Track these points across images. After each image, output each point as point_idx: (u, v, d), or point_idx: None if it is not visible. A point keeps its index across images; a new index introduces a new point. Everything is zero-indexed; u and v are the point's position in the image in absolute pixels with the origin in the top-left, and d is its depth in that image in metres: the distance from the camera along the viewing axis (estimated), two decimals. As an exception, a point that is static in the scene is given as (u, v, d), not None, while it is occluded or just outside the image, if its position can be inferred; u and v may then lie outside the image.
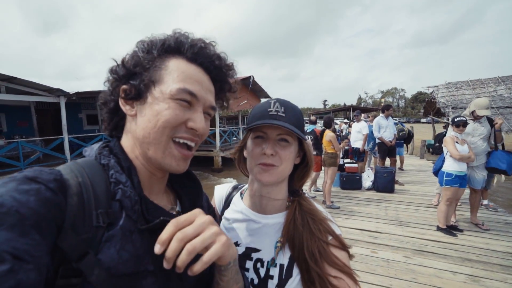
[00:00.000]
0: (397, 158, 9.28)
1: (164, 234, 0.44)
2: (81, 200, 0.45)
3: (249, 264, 0.77)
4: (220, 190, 0.99)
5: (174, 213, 0.62)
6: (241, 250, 0.80)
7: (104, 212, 0.46)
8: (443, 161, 3.86)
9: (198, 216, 0.48)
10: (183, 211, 0.64)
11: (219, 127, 13.85)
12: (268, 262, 0.75)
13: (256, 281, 0.75)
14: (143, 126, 0.53)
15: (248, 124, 0.77)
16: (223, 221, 0.90)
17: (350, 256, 0.77)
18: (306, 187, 6.10)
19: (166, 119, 0.52)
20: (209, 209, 0.74)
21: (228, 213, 0.89)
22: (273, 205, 0.82)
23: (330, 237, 0.75)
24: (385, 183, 5.86)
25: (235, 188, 0.97)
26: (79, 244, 0.42)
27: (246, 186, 0.94)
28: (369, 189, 6.13)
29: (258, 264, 0.76)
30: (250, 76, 14.84)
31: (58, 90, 9.08)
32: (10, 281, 0.31)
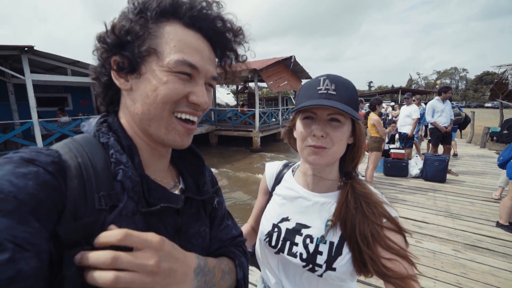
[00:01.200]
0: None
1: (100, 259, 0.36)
2: (81, 183, 0.42)
3: (298, 239, 0.78)
4: (271, 168, 1.00)
5: (177, 191, 0.60)
6: (291, 225, 0.81)
7: (106, 195, 0.44)
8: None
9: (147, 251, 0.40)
10: (186, 188, 0.62)
11: (259, 108, 13.87)
12: (318, 238, 0.75)
13: (304, 255, 0.76)
14: (142, 102, 0.49)
15: (297, 104, 0.74)
16: (274, 196, 0.92)
17: (407, 241, 0.73)
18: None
19: (165, 93, 0.47)
20: (213, 183, 0.72)
21: (279, 189, 0.91)
22: (324, 184, 0.82)
23: (385, 220, 0.72)
24: (436, 171, 5.37)
25: (286, 166, 0.98)
26: (78, 231, 0.39)
27: (298, 163, 0.94)
28: (416, 177, 5.70)
29: (308, 240, 0.77)
30: (291, 56, 14.37)
31: (113, 71, 9.87)
32: (10, 270, 0.29)
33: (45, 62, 8.65)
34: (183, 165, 0.66)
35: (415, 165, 5.87)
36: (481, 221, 3.69)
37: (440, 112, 5.66)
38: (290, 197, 0.85)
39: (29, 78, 7.66)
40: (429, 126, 5.95)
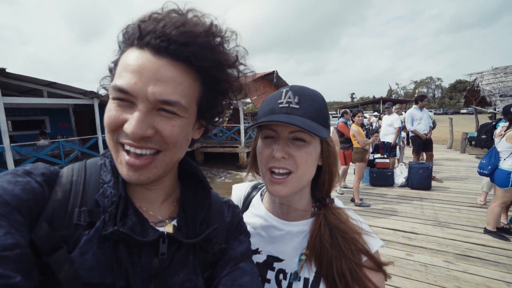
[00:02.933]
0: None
1: None
2: (66, 196, 0.46)
3: (270, 275, 0.69)
4: (238, 190, 0.89)
5: (163, 228, 0.52)
6: (262, 258, 0.72)
7: (88, 210, 0.45)
8: (500, 158, 3.35)
9: None
10: (186, 225, 0.54)
11: (244, 123, 13.84)
12: (291, 274, 0.66)
13: None
14: None
15: (257, 120, 0.64)
16: None
17: (386, 276, 0.64)
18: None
19: (105, 121, 0.46)
20: (230, 226, 0.63)
21: (247, 217, 0.79)
22: (294, 212, 0.71)
23: (364, 258, 0.62)
24: (421, 179, 5.40)
25: (254, 188, 0.87)
26: (53, 238, 0.41)
27: None
28: (402, 186, 5.70)
29: (281, 276, 0.68)
30: (273, 71, 14.63)
31: (92, 92, 9.63)
32: (9, 239, 0.35)
33: (18, 84, 8.31)
34: (188, 198, 0.59)
35: (400, 173, 5.90)
36: (469, 228, 3.66)
37: (419, 120, 5.79)
38: (260, 226, 0.75)
39: (0, 101, 7.29)
40: (410, 134, 6.06)
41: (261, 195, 0.82)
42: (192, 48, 0.43)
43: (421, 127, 5.78)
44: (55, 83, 8.69)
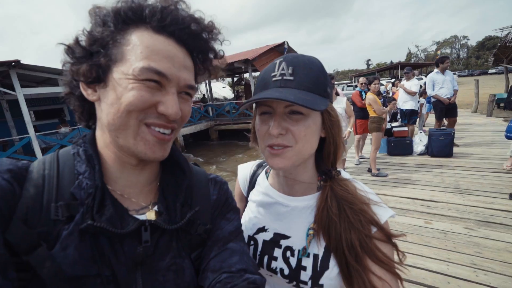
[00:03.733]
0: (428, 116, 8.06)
1: None
2: (39, 192, 0.44)
3: (277, 252, 0.68)
4: (243, 170, 0.88)
5: (145, 215, 0.52)
6: (268, 236, 0.71)
7: (65, 205, 0.44)
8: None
9: None
10: (167, 210, 0.53)
11: (255, 99, 13.65)
12: (299, 251, 0.65)
13: (286, 271, 0.66)
14: (107, 112, 0.46)
15: (253, 95, 0.61)
16: (249, 203, 0.81)
17: (398, 250, 0.62)
18: (353, 154, 5.78)
19: (129, 101, 0.44)
20: (217, 205, 0.62)
21: (253, 195, 0.79)
22: (300, 185, 0.69)
23: (374, 229, 0.61)
24: (441, 146, 5.19)
25: (259, 166, 0.86)
26: (30, 236, 0.40)
27: None
28: (421, 154, 5.53)
29: (288, 253, 0.67)
30: (284, 42, 14.01)
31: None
32: None
33: (34, 75, 8.54)
34: (168, 183, 0.57)
35: (420, 141, 5.69)
36: (493, 194, 3.53)
37: (441, 84, 5.42)
38: (265, 204, 0.74)
39: (21, 93, 7.59)
40: (432, 100, 5.72)
41: (266, 172, 0.81)
42: (206, 46, 0.53)
43: (443, 91, 5.42)
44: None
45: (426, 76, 6.84)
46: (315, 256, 0.63)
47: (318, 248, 0.64)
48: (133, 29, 0.46)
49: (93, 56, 0.46)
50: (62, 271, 0.40)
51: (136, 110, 0.45)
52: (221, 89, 25.39)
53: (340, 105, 3.92)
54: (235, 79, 20.51)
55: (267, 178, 0.79)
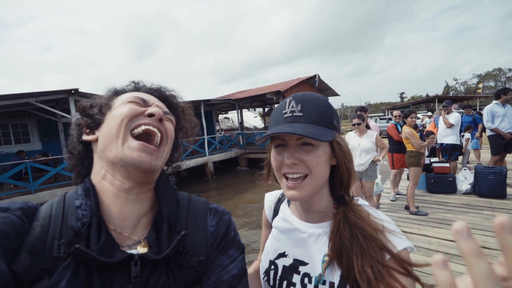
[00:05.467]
0: (471, 152, 7.45)
1: None
2: (44, 230, 0.47)
3: (296, 278, 0.69)
4: (269, 198, 0.94)
5: (136, 250, 0.51)
6: (288, 261, 0.73)
7: (67, 242, 0.46)
8: None
9: None
10: (156, 242, 0.52)
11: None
12: (316, 278, 0.66)
13: None
14: (104, 133, 0.54)
15: (267, 131, 0.68)
16: (272, 230, 0.85)
17: (420, 283, 0.57)
18: (389, 190, 5.44)
19: (122, 112, 0.55)
20: (215, 236, 0.60)
21: (276, 222, 0.83)
22: (316, 213, 0.72)
23: (388, 257, 0.58)
24: (492, 186, 4.67)
25: (283, 195, 0.90)
26: (35, 268, 0.43)
27: None
28: (467, 193, 5.02)
29: (306, 280, 0.68)
30: (315, 75, 14.42)
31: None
32: None
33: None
34: (161, 214, 0.57)
35: (464, 179, 5.20)
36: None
37: (501, 117, 5.02)
38: (286, 230, 0.77)
39: (74, 117, 8.52)
40: (488, 133, 5.28)
41: (288, 200, 0.85)
42: (165, 95, 0.68)
43: (504, 125, 5.00)
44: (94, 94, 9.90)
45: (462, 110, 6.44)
46: (331, 284, 0.63)
47: (333, 276, 0.63)
48: (120, 94, 0.62)
49: (95, 112, 0.59)
50: None
51: (128, 117, 0.54)
52: (252, 118, 26.16)
53: (370, 139, 3.81)
54: (266, 109, 21.14)
55: (288, 205, 0.83)
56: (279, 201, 0.88)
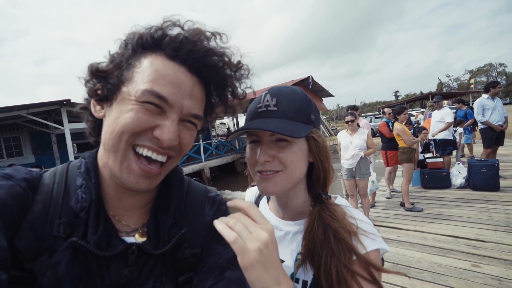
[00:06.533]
0: (465, 146, 7.57)
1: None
2: (46, 207, 0.46)
3: None
4: (249, 194, 0.92)
5: (134, 238, 0.51)
6: None
7: (67, 222, 0.45)
8: None
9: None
10: (155, 234, 0.52)
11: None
12: (289, 276, 0.63)
13: None
14: (105, 130, 0.48)
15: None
16: None
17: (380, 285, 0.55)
18: (385, 187, 5.42)
19: (125, 122, 0.44)
20: (212, 226, 0.57)
21: None
22: (292, 211, 0.70)
23: (354, 258, 0.57)
24: (485, 179, 4.69)
25: None
26: (36, 245, 0.42)
27: None
28: (461, 187, 5.02)
29: None
30: (309, 77, 14.53)
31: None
32: None
33: (81, 111, 9.56)
34: (161, 204, 0.56)
35: (458, 173, 5.21)
36: (555, 235, 3.03)
37: (491, 110, 5.07)
38: None
39: (67, 128, 8.50)
40: (480, 126, 5.32)
41: (267, 197, 0.83)
42: (220, 77, 0.51)
43: (495, 118, 5.04)
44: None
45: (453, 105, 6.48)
46: (304, 283, 0.61)
47: (306, 275, 0.62)
48: (149, 54, 0.47)
49: (108, 77, 0.48)
50: (60, 283, 0.42)
51: (129, 132, 0.44)
52: (247, 122, 26.11)
53: (361, 137, 3.81)
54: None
55: (267, 202, 0.81)
56: (259, 198, 0.85)
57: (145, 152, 0.45)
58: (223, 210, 0.62)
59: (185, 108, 0.47)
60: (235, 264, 0.54)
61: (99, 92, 0.49)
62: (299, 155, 0.62)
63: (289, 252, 0.66)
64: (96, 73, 0.49)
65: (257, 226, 0.44)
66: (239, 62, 0.53)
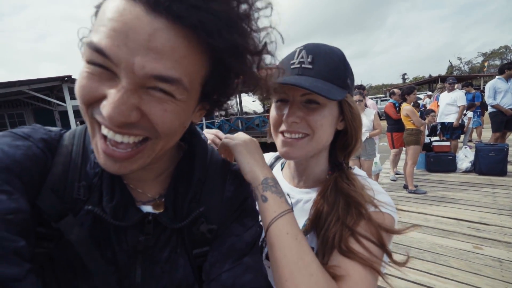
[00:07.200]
0: (474, 130, 7.50)
1: None
2: (65, 170, 0.44)
3: None
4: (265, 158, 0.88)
5: (150, 207, 0.49)
6: None
7: (87, 186, 0.44)
8: None
9: None
10: (173, 206, 0.49)
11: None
12: None
13: None
14: None
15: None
16: None
17: (389, 255, 0.53)
18: (389, 170, 5.36)
19: (77, 93, 0.36)
20: (231, 203, 0.54)
21: None
22: (310, 177, 0.67)
23: (363, 223, 0.54)
24: (492, 163, 4.60)
25: (277, 158, 0.87)
26: (59, 205, 0.41)
27: None
28: (467, 171, 4.95)
29: None
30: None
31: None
32: (14, 203, 0.35)
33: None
34: (182, 173, 0.52)
35: (465, 157, 5.12)
36: (561, 219, 2.99)
37: (503, 93, 4.84)
38: None
39: (70, 105, 8.46)
40: (489, 110, 5.14)
41: (281, 164, 0.81)
42: (203, 15, 0.32)
43: (506, 101, 4.83)
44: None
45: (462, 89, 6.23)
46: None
47: (312, 241, 0.60)
48: None
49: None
50: (88, 237, 0.42)
51: (83, 104, 0.36)
52: (251, 103, 25.90)
53: (368, 117, 3.71)
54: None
55: (282, 169, 0.79)
56: (272, 165, 0.84)
57: (102, 129, 0.37)
58: (244, 187, 0.58)
59: (137, 67, 0.32)
60: (253, 249, 0.53)
61: (82, 53, 0.39)
62: (329, 120, 0.58)
63: (299, 220, 0.62)
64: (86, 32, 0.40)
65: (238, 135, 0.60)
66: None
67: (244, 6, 0.36)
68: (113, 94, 0.33)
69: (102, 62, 0.33)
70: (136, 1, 0.32)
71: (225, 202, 0.54)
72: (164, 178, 0.52)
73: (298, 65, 0.55)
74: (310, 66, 0.55)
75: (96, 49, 0.32)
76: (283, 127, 0.59)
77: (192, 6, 0.32)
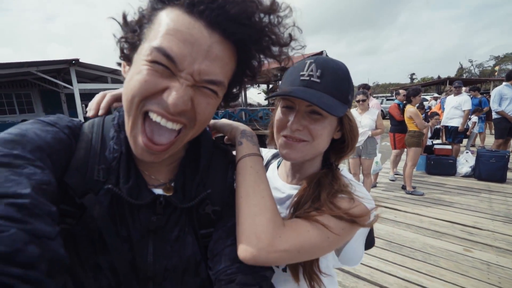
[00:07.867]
0: (478, 135, 7.45)
1: None
2: (86, 155, 0.49)
3: None
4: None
5: (161, 190, 0.54)
6: None
7: (106, 168, 0.49)
8: None
9: None
10: (182, 189, 0.55)
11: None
12: None
13: None
14: (122, 92, 0.48)
15: (279, 89, 0.66)
16: None
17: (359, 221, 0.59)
18: (389, 170, 5.41)
19: (134, 85, 0.42)
20: (232, 191, 0.60)
21: None
22: (301, 176, 0.73)
23: (331, 206, 0.61)
24: (492, 170, 4.63)
25: (274, 156, 0.91)
26: (83, 184, 0.47)
27: None
28: (467, 176, 4.99)
29: None
30: (322, 51, 13.86)
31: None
32: (46, 176, 0.38)
33: (89, 72, 9.57)
34: (190, 161, 0.59)
35: (465, 162, 5.14)
36: (553, 228, 3.04)
37: (509, 100, 4.80)
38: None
39: (76, 88, 8.54)
40: (494, 116, 5.12)
41: (278, 162, 0.86)
42: (250, 31, 0.44)
43: (511, 108, 4.80)
44: (116, 70, 9.76)
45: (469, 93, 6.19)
46: None
47: None
48: (167, 8, 0.43)
49: (133, 35, 0.46)
50: (108, 214, 0.48)
51: (139, 96, 0.43)
52: (256, 95, 25.76)
53: (371, 117, 3.72)
54: (270, 86, 20.75)
55: (277, 167, 0.83)
56: (268, 162, 0.88)
57: (154, 117, 0.44)
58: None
59: (196, 72, 0.42)
60: None
61: (121, 52, 0.49)
62: (328, 130, 0.64)
63: (284, 214, 0.68)
64: (125, 32, 0.48)
65: None
66: (274, 4, 0.44)
67: (273, 18, 0.46)
68: (178, 87, 0.42)
69: (166, 64, 0.41)
70: (197, 16, 0.41)
71: (228, 187, 0.61)
72: (175, 166, 0.58)
73: (307, 78, 0.59)
74: (318, 80, 0.59)
75: (165, 54, 0.40)
76: (286, 132, 0.63)
77: (241, 24, 0.42)
